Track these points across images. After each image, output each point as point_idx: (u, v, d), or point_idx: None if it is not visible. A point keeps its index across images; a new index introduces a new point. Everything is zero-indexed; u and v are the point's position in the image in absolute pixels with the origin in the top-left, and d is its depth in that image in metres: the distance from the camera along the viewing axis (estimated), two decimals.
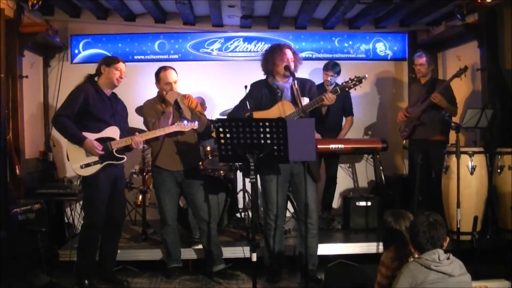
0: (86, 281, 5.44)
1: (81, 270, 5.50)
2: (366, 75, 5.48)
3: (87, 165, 5.39)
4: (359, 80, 5.45)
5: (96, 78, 5.59)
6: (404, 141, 7.83)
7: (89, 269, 5.51)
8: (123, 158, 5.58)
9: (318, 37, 9.05)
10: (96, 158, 5.39)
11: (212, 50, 8.90)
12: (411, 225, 3.69)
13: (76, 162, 5.40)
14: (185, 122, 5.72)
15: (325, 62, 7.96)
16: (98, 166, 5.41)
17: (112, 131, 5.52)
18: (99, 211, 5.47)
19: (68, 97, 5.45)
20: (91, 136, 5.37)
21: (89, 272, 5.50)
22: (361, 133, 8.65)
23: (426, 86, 7.28)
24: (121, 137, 5.57)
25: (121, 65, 5.54)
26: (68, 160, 5.47)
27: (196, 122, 5.79)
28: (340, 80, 7.41)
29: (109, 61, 5.56)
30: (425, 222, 3.52)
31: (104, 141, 5.44)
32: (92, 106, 5.38)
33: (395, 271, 3.87)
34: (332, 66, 7.67)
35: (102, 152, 5.38)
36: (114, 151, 5.48)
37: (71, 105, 5.37)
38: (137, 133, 5.62)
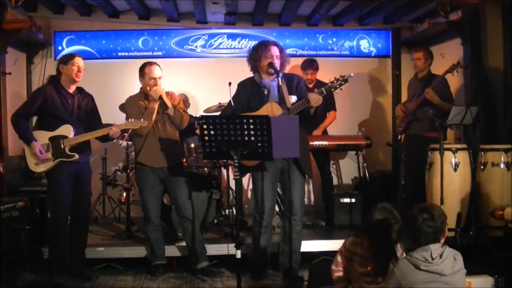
0: (56, 276, 5.59)
1: (53, 266, 5.65)
2: (352, 74, 5.22)
3: (40, 161, 5.61)
4: (344, 80, 5.20)
5: (59, 76, 5.73)
6: (400, 137, 7.80)
7: (61, 265, 5.66)
8: (73, 156, 5.63)
9: (302, 34, 9.08)
10: (49, 156, 5.59)
11: (196, 47, 8.89)
12: (407, 217, 3.58)
13: (32, 161, 5.64)
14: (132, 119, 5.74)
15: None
16: (51, 163, 5.60)
17: (65, 130, 5.64)
18: (63, 205, 5.65)
19: (28, 98, 5.63)
20: (46, 134, 5.62)
21: (60, 268, 5.64)
22: (345, 130, 8.65)
23: (422, 81, 7.24)
24: (87, 130, 5.75)
25: (77, 60, 5.70)
26: (25, 159, 5.71)
27: (143, 120, 5.74)
28: (321, 76, 7.48)
29: (65, 59, 5.73)
30: (421, 216, 3.43)
31: (57, 139, 5.59)
32: (51, 107, 5.60)
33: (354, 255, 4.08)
34: (309, 64, 7.68)
35: (43, 157, 5.55)
36: (66, 148, 5.59)
37: (28, 106, 5.69)
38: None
